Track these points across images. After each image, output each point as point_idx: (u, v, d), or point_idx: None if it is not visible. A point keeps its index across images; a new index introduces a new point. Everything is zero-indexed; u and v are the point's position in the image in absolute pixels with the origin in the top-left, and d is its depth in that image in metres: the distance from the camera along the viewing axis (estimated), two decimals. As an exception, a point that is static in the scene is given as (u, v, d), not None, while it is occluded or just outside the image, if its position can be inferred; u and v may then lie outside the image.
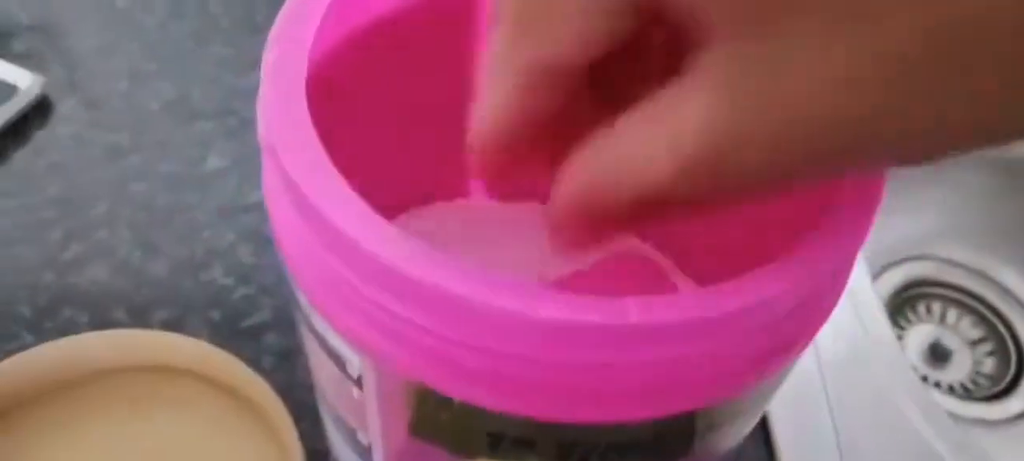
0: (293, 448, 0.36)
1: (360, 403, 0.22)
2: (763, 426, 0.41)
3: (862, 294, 0.49)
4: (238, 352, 0.39)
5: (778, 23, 0.15)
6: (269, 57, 0.21)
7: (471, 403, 0.19)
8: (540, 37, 0.18)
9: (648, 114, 0.17)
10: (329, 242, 0.19)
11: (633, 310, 0.17)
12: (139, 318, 0.43)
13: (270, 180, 0.22)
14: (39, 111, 0.52)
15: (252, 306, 0.44)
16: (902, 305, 0.72)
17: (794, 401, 0.43)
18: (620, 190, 0.18)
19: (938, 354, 0.70)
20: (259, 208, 0.48)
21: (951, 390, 0.68)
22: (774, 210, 0.25)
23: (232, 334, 0.43)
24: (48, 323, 0.43)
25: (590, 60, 0.19)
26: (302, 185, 0.19)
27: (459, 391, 0.19)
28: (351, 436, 0.25)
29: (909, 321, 0.71)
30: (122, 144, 0.51)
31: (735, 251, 0.22)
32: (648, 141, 0.17)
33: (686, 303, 0.18)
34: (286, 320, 0.43)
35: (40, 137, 0.51)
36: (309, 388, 0.40)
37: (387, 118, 0.28)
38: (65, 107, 0.53)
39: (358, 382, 0.22)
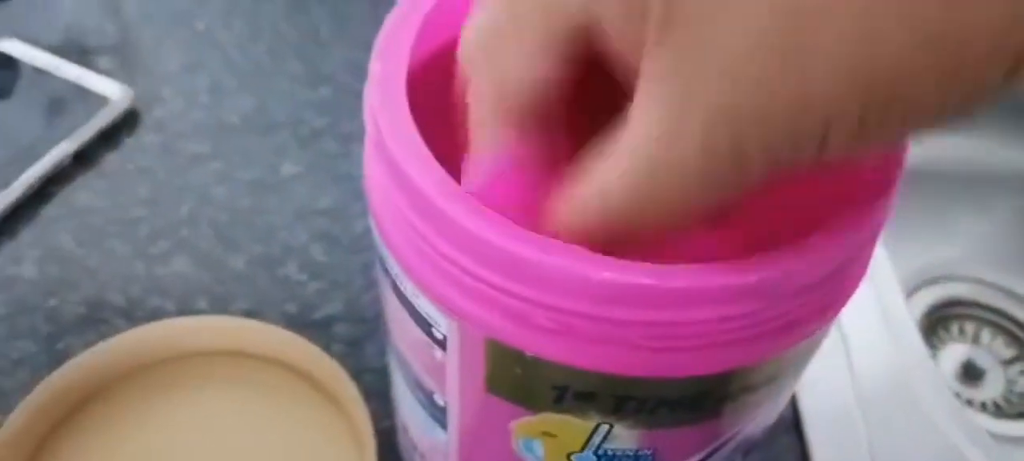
0: (364, 427, 0.39)
1: (441, 364, 0.26)
2: (800, 441, 0.44)
3: (896, 312, 0.51)
4: (310, 341, 0.42)
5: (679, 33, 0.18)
6: (375, 65, 0.25)
7: (540, 357, 0.23)
8: (495, 73, 0.23)
9: (600, 151, 0.21)
10: (422, 212, 0.22)
11: (680, 275, 0.21)
12: (220, 308, 0.47)
13: (371, 166, 0.26)
14: (128, 121, 0.56)
15: (324, 299, 0.48)
16: (935, 325, 0.74)
17: (830, 419, 0.45)
18: (591, 226, 0.21)
19: (972, 373, 0.72)
20: (330, 212, 0.52)
21: (984, 408, 0.70)
22: (794, 198, 0.28)
23: (305, 325, 0.46)
24: (138, 311, 0.47)
25: (542, 97, 0.22)
26: (402, 163, 0.22)
27: (531, 346, 0.23)
28: (428, 399, 0.29)
29: (942, 341, 0.74)
30: (204, 152, 0.55)
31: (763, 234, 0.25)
32: (598, 176, 0.21)
33: (727, 269, 0.21)
34: (355, 313, 0.47)
35: (129, 144, 0.55)
36: (377, 372, 0.44)
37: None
38: (152, 118, 0.57)
39: (441, 344, 0.25)
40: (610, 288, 0.21)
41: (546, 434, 0.26)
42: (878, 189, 0.23)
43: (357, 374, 0.41)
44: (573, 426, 0.25)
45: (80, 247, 0.50)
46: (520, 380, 0.24)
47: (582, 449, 0.26)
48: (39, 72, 0.58)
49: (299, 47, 0.62)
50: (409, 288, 0.25)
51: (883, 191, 0.23)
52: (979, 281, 0.76)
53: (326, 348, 0.42)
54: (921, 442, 0.45)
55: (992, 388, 0.71)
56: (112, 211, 0.51)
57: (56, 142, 0.53)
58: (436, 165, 0.22)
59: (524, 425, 0.26)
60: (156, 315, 0.47)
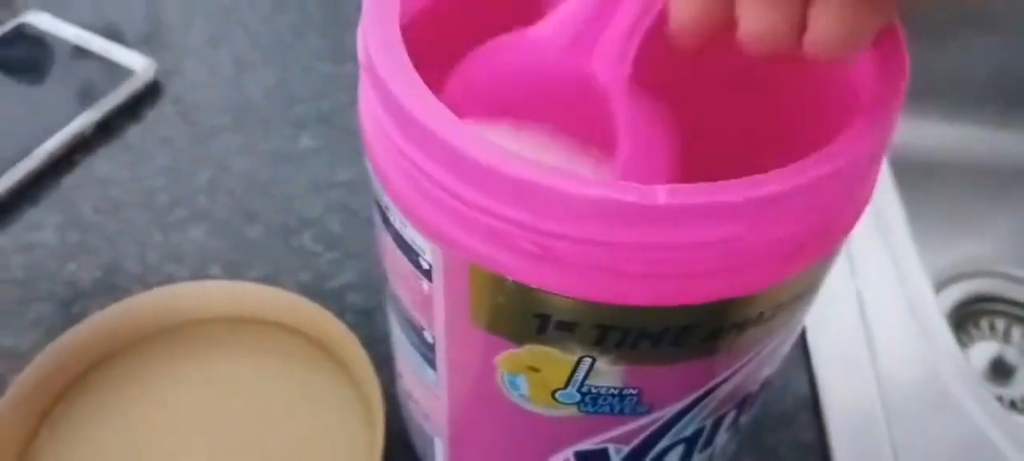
0: (373, 390, 0.39)
1: (429, 297, 0.26)
2: (821, 441, 0.43)
3: (924, 306, 0.50)
4: (324, 309, 0.43)
5: None
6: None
7: (522, 283, 0.23)
8: None
9: None
10: (405, 130, 0.22)
11: (662, 193, 0.20)
12: (235, 275, 0.48)
13: (365, 96, 0.26)
14: (152, 93, 0.57)
15: (338, 269, 0.48)
16: (964, 321, 0.73)
17: (852, 411, 0.44)
18: None
19: (1001, 370, 0.71)
20: (347, 184, 0.52)
21: (1013, 405, 0.69)
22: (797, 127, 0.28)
23: (318, 293, 0.47)
24: (153, 277, 0.47)
25: None
26: (388, 82, 0.22)
27: (513, 271, 0.23)
28: (419, 337, 0.29)
29: (972, 337, 0.72)
30: (225, 123, 0.55)
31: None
32: None
33: (713, 188, 0.21)
34: (368, 282, 0.47)
35: (151, 116, 0.56)
36: (387, 341, 0.44)
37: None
38: (175, 89, 0.58)
39: (428, 274, 0.25)
40: (591, 206, 0.21)
41: (530, 369, 0.26)
42: (875, 112, 0.23)
43: (369, 343, 0.41)
44: (556, 360, 0.25)
45: (99, 215, 0.50)
46: (503, 309, 0.24)
47: (566, 385, 0.26)
48: (65, 45, 0.59)
49: (323, 25, 0.63)
50: (397, 218, 0.25)
51: (880, 114, 0.23)
52: (1009, 277, 0.75)
53: (339, 316, 0.42)
54: (950, 434, 0.44)
55: (1022, 385, 0.70)
56: (132, 180, 0.52)
57: (79, 113, 0.54)
58: (423, 86, 0.23)
59: (508, 359, 0.26)
60: (170, 281, 0.47)
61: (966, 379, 0.46)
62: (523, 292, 0.23)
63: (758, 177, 0.21)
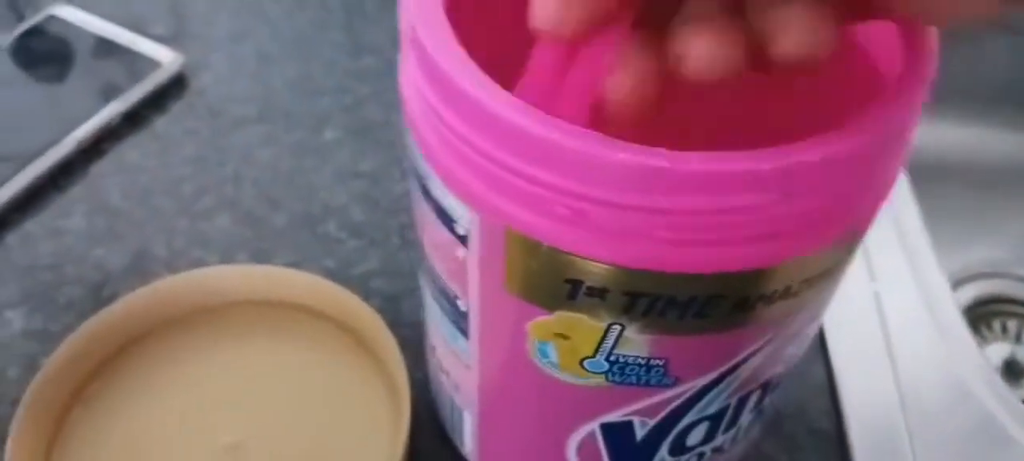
0: (399, 372, 0.40)
1: (463, 264, 0.27)
2: (840, 434, 0.44)
3: (941, 303, 0.51)
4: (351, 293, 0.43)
5: None
6: None
7: (556, 247, 0.23)
8: None
9: None
10: (443, 94, 0.23)
11: (694, 159, 0.21)
12: (261, 262, 0.48)
13: (405, 65, 0.27)
14: (177, 85, 0.58)
15: (362, 257, 0.49)
16: (977, 322, 0.73)
17: (871, 411, 0.44)
18: None
19: (1014, 371, 0.71)
20: (370, 174, 0.53)
21: (1025, 405, 0.69)
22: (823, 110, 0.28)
23: (343, 279, 0.47)
24: (181, 261, 0.48)
25: None
26: (428, 47, 0.23)
27: (547, 235, 0.23)
28: (452, 306, 0.29)
29: (985, 338, 0.73)
30: (250, 115, 0.56)
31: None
32: None
33: (742, 156, 0.21)
34: (392, 268, 0.48)
35: (178, 107, 0.57)
36: (412, 326, 0.44)
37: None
38: (200, 82, 0.59)
39: (464, 240, 0.26)
40: (624, 170, 0.21)
41: (560, 336, 0.26)
42: (901, 89, 0.24)
43: (393, 328, 0.41)
44: (585, 327, 0.25)
45: (127, 201, 0.51)
46: (536, 274, 0.25)
47: (594, 354, 0.26)
48: (92, 38, 0.60)
49: (345, 20, 0.63)
50: (436, 186, 0.26)
51: (906, 91, 0.24)
52: (1022, 279, 0.75)
53: (365, 301, 0.43)
54: (967, 425, 0.45)
55: (1035, 385, 0.70)
56: (159, 169, 0.53)
57: (106, 104, 0.55)
58: (462, 51, 0.23)
59: (539, 326, 0.26)
60: (198, 266, 0.48)
61: (982, 371, 0.47)
62: (556, 257, 0.24)
63: (787, 147, 0.22)
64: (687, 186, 0.21)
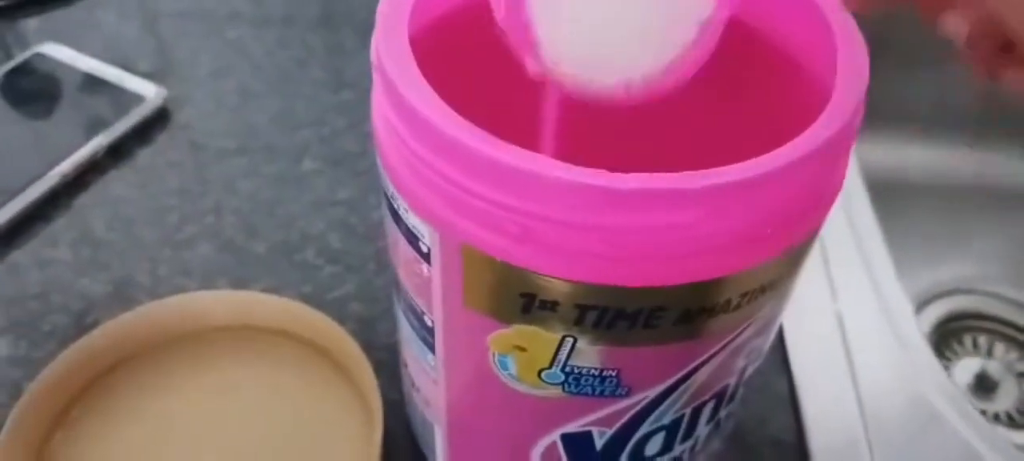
0: (372, 394, 0.41)
1: (428, 281, 0.28)
2: (801, 454, 0.45)
3: (903, 320, 0.52)
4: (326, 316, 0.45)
5: None
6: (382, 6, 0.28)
7: (508, 263, 0.25)
8: None
9: None
10: (406, 120, 0.25)
11: (630, 179, 0.23)
12: (240, 288, 0.50)
13: (376, 97, 0.28)
14: (161, 119, 0.60)
15: (338, 282, 0.50)
16: (949, 337, 0.75)
17: (833, 430, 0.45)
18: None
19: (985, 385, 0.72)
20: (346, 203, 0.54)
21: (997, 419, 0.71)
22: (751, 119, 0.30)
23: (320, 304, 0.49)
24: (163, 288, 0.50)
25: None
26: (392, 77, 0.25)
27: (499, 252, 0.25)
28: (420, 322, 0.31)
29: (956, 353, 0.74)
30: (231, 148, 0.58)
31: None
32: None
33: (677, 177, 0.23)
34: (368, 293, 0.49)
35: (162, 140, 0.58)
36: (386, 349, 0.46)
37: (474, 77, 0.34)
38: (184, 116, 0.60)
39: (427, 257, 0.27)
40: (564, 189, 0.23)
41: (518, 348, 0.28)
42: (832, 112, 0.25)
43: (368, 349, 0.43)
44: (541, 339, 0.27)
45: (111, 232, 0.53)
46: (492, 289, 0.26)
47: (550, 365, 0.28)
48: (78, 74, 0.61)
49: (325, 57, 0.65)
50: (402, 206, 0.27)
51: (836, 113, 0.25)
52: (991, 294, 0.77)
53: (341, 325, 0.45)
54: (928, 442, 0.46)
55: (1006, 400, 0.72)
56: (142, 200, 0.54)
57: (92, 137, 0.56)
58: (423, 81, 0.25)
59: (498, 338, 0.28)
60: (180, 292, 0.49)
61: (941, 385, 0.48)
62: (509, 272, 0.25)
63: (719, 169, 0.23)
64: (623, 204, 0.23)
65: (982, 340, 0.75)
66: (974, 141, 0.78)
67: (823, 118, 0.25)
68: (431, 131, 0.24)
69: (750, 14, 0.32)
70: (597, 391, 0.29)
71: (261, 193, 0.55)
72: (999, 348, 0.75)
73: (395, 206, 0.28)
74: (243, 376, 0.44)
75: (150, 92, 0.59)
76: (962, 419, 0.46)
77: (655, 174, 0.23)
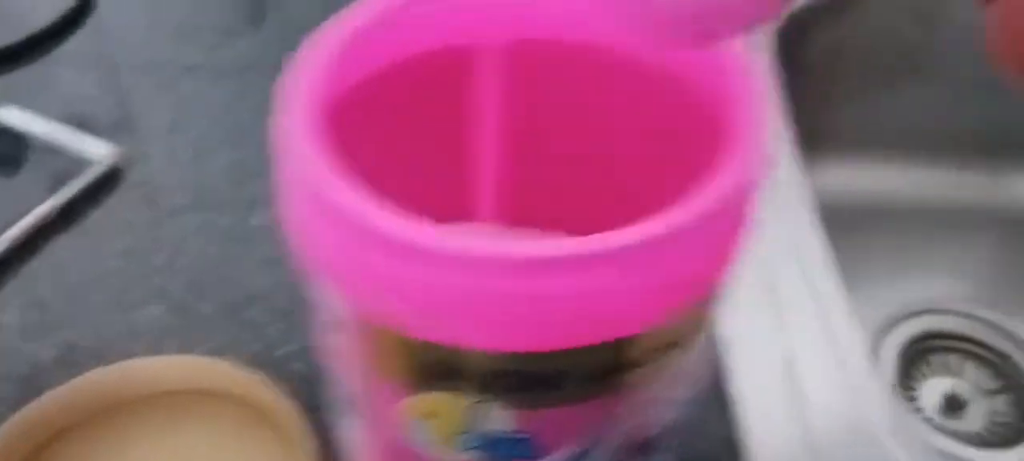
0: (305, 455, 0.41)
1: (346, 349, 0.28)
2: None
3: (853, 353, 0.51)
4: (270, 377, 0.45)
5: None
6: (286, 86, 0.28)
7: (403, 334, 0.25)
8: None
9: None
10: (310, 191, 0.25)
11: (516, 247, 0.23)
12: (187, 350, 0.50)
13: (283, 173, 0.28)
14: (114, 178, 0.60)
15: (284, 340, 0.50)
16: (917, 358, 0.75)
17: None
18: None
19: (954, 405, 0.72)
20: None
21: (968, 439, 0.71)
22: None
23: (266, 363, 0.49)
24: (110, 353, 0.49)
25: None
26: (296, 155, 0.25)
27: (393, 322, 0.25)
28: (341, 388, 0.31)
29: (924, 374, 0.74)
30: (184, 204, 0.58)
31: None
32: None
33: (564, 243, 0.23)
34: (313, 351, 0.49)
35: (114, 199, 0.59)
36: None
37: (395, 149, 0.34)
38: (138, 174, 0.60)
39: (342, 327, 0.27)
40: (453, 259, 0.23)
41: (430, 414, 0.28)
42: (723, 174, 0.25)
43: (312, 411, 0.43)
44: (451, 405, 0.27)
45: (58, 297, 0.52)
46: (398, 358, 0.26)
47: (464, 431, 0.28)
48: (34, 137, 0.61)
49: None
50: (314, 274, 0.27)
51: (727, 175, 0.25)
52: (959, 314, 0.77)
53: (286, 383, 0.44)
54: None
55: (975, 419, 0.71)
56: (92, 263, 0.54)
57: (42, 201, 0.56)
58: (322, 157, 0.25)
59: (410, 405, 0.28)
60: (127, 357, 0.49)
61: (891, 418, 0.48)
62: (408, 343, 0.25)
63: (608, 234, 0.23)
64: (512, 272, 0.23)
65: (952, 360, 0.75)
66: (938, 160, 0.79)
67: (710, 181, 0.25)
68: (319, 198, 0.24)
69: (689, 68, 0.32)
70: (514, 454, 0.29)
71: (210, 250, 0.55)
72: (969, 368, 0.74)
73: (313, 282, 0.28)
74: (186, 442, 0.44)
75: (103, 152, 0.59)
76: (907, 450, 0.46)
77: (543, 241, 0.23)
